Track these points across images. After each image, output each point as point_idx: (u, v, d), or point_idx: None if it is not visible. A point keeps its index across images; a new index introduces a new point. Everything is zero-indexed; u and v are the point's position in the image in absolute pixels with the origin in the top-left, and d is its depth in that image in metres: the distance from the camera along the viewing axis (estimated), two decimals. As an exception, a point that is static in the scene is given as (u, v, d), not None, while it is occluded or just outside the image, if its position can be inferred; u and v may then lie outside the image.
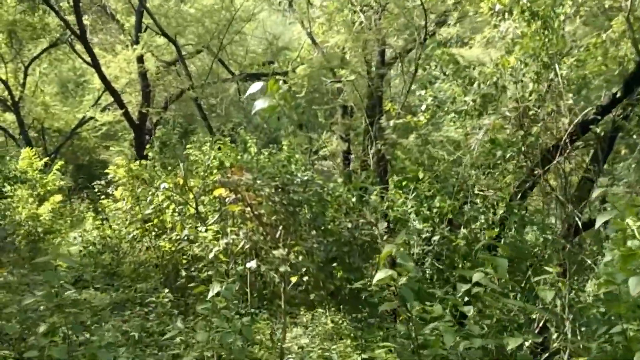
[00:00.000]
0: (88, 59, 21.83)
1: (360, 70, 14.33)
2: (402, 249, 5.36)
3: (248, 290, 9.85)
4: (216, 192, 9.13)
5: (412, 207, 9.69)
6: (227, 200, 9.16)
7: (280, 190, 9.17)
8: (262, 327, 9.94)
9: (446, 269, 8.99)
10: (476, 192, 9.25)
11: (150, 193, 11.77)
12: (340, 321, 10.38)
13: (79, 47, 25.19)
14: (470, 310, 5.34)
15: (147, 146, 14.85)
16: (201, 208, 11.45)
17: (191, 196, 10.87)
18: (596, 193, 7.38)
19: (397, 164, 12.84)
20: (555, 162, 8.45)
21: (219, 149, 12.92)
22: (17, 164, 17.47)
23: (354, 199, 10.93)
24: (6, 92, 28.10)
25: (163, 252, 11.16)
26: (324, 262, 9.62)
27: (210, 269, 9.39)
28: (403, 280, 5.25)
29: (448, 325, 5.06)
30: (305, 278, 9.53)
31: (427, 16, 11.57)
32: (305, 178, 9.44)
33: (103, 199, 14.12)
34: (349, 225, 9.74)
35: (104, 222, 14.36)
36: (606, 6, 9.31)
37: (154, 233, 11.71)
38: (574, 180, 9.35)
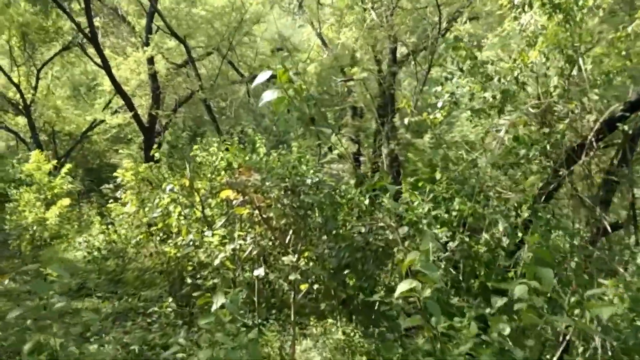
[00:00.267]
0: (99, 62, 21.32)
1: (371, 68, 13.71)
2: (425, 257, 4.76)
3: (256, 299, 9.27)
4: (223, 194, 8.47)
5: (428, 210, 9.04)
6: (234, 203, 8.52)
7: (290, 192, 8.52)
8: (270, 339, 9.35)
9: (467, 277, 8.31)
10: (497, 194, 8.60)
11: (155, 196, 11.20)
12: (353, 333, 9.78)
13: (91, 50, 24.60)
14: (507, 329, 4.68)
15: (154, 147, 14.26)
16: (208, 211, 10.85)
17: (197, 199, 10.26)
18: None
19: (410, 165, 12.27)
20: (580, 162, 7.81)
21: (227, 150, 12.33)
22: (22, 167, 16.88)
23: (366, 202, 10.34)
24: (18, 95, 27.70)
25: (168, 257, 10.56)
26: (335, 269, 8.98)
27: (216, 277, 8.82)
28: (427, 292, 4.65)
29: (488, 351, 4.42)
30: (316, 286, 8.88)
31: (441, 12, 10.95)
32: (317, 179, 8.79)
33: (111, 202, 13.56)
34: (362, 229, 9.06)
35: (110, 226, 13.79)
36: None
37: (159, 238, 11.12)
38: (598, 180, 8.70)
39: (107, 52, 22.42)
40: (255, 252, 8.68)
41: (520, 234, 7.85)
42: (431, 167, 11.60)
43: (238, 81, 24.17)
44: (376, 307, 8.97)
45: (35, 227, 16.63)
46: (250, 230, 9.13)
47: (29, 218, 16.77)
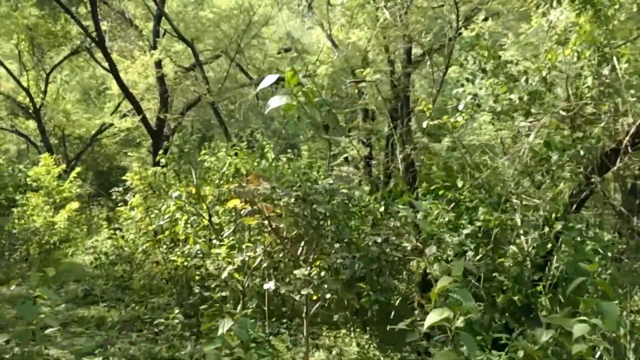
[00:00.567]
0: (107, 66, 20.82)
1: (384, 69, 13.00)
2: (458, 281, 4.12)
3: (266, 309, 8.62)
4: (230, 204, 7.77)
5: (449, 220, 8.33)
6: (242, 212, 7.82)
7: (301, 200, 7.81)
8: (281, 350, 8.73)
9: (492, 291, 7.58)
10: (525, 202, 7.89)
11: (161, 203, 10.54)
12: (367, 345, 9.13)
13: (99, 55, 24.15)
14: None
15: (159, 152, 13.61)
16: (215, 219, 10.19)
17: (204, 206, 9.57)
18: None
19: (424, 170, 11.60)
20: (615, 167, 7.09)
21: (235, 155, 11.67)
22: (30, 171, 16.24)
23: (381, 209, 9.66)
24: (27, 100, 27.29)
25: (175, 266, 9.91)
26: (349, 280, 8.30)
27: (225, 289, 8.15)
28: (460, 322, 4.01)
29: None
30: (328, 295, 8.17)
31: (458, 10, 10.23)
32: (330, 187, 8.09)
33: (120, 206, 12.92)
34: (378, 239, 8.34)
35: (117, 231, 13.15)
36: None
37: (165, 246, 10.47)
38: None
39: (114, 55, 21.97)
40: (265, 265, 7.98)
41: (549, 246, 7.15)
42: (447, 172, 10.96)
43: (247, 84, 23.54)
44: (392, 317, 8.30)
45: (43, 231, 16.02)
46: (259, 239, 8.48)
47: (38, 222, 16.19)
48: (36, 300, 5.23)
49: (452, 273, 4.10)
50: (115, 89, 24.78)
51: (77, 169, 20.22)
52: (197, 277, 9.29)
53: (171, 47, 21.90)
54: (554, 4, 7.58)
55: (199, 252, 8.47)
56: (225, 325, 5.00)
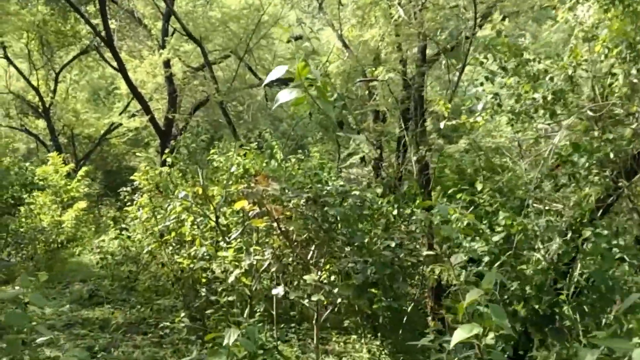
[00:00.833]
0: (116, 65, 20.48)
1: (398, 68, 12.56)
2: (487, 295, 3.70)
3: (274, 314, 8.18)
4: (237, 205, 7.29)
5: (468, 224, 7.86)
6: (250, 214, 7.36)
7: (312, 202, 7.36)
8: (289, 355, 8.31)
9: (513, 300, 7.11)
10: (548, 207, 7.44)
11: (167, 203, 10.10)
12: (378, 352, 8.69)
13: (108, 55, 23.87)
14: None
15: (166, 151, 13.19)
16: (222, 220, 9.75)
17: (211, 207, 9.13)
18: None
19: (437, 172, 11.17)
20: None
21: (244, 155, 11.24)
22: (35, 170, 15.85)
23: (394, 212, 9.23)
24: (37, 99, 27.02)
25: (181, 268, 9.48)
26: (361, 286, 7.85)
27: (231, 294, 7.71)
28: (491, 338, 3.59)
29: None
30: (339, 300, 7.73)
31: (476, 7, 9.76)
32: (343, 188, 7.65)
33: (128, 206, 12.52)
34: (392, 243, 7.89)
35: (123, 231, 12.75)
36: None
37: (171, 247, 10.03)
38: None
39: (123, 55, 21.81)
40: (274, 269, 7.51)
41: (573, 253, 6.71)
42: (459, 175, 10.53)
43: (255, 84, 23.15)
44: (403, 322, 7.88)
45: (50, 230, 15.64)
46: (267, 242, 8.05)
47: (45, 221, 15.82)
48: (27, 306, 4.72)
49: (482, 285, 3.68)
50: (124, 88, 24.59)
51: (85, 168, 19.94)
52: (203, 280, 8.85)
53: (180, 47, 21.60)
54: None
55: (205, 254, 8.05)
56: (231, 336, 4.57)
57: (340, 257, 7.57)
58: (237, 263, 7.41)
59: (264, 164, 11.14)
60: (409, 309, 8.87)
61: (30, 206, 15.42)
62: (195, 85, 22.51)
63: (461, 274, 7.09)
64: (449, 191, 9.17)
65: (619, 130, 6.83)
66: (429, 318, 9.07)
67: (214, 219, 8.84)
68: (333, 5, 16.34)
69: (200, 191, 8.81)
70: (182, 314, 8.62)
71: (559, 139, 6.97)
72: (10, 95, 28.09)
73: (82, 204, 17.34)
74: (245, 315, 7.67)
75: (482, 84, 8.41)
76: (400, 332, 9.08)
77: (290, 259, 7.80)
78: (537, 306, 6.71)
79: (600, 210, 6.95)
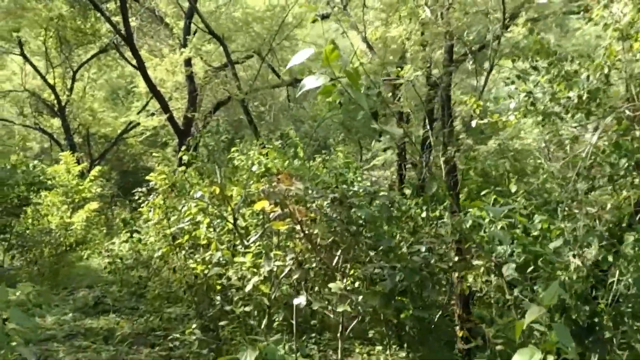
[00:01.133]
0: (135, 64, 20.21)
1: (424, 68, 12.12)
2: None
3: (294, 323, 7.60)
4: (258, 206, 6.76)
5: (502, 228, 7.35)
6: (271, 216, 6.79)
7: (338, 203, 6.80)
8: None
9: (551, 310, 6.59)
10: (585, 210, 6.90)
11: (182, 204, 9.57)
12: (405, 365, 8.16)
13: (128, 54, 23.86)
14: None
15: (182, 149, 12.70)
16: (241, 222, 9.22)
17: (229, 208, 8.60)
18: None
19: (466, 175, 10.71)
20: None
21: (266, 154, 10.74)
22: (43, 169, 15.38)
23: (423, 215, 8.73)
24: (53, 97, 26.82)
25: (195, 274, 8.93)
26: (388, 294, 7.29)
27: (248, 303, 7.17)
28: None
29: None
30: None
31: (505, 6, 9.31)
32: (371, 189, 7.13)
33: (143, 208, 12.05)
34: (422, 248, 7.35)
35: (134, 234, 12.25)
36: None
37: (184, 252, 9.50)
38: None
39: (143, 53, 21.48)
40: (296, 276, 6.93)
41: (612, 259, 6.21)
42: (484, 176, 10.10)
43: (278, 85, 22.81)
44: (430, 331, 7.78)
45: (58, 232, 15.19)
46: (288, 246, 7.52)
47: (53, 223, 15.36)
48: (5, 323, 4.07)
49: (543, 301, 3.16)
50: (142, 87, 24.41)
51: (98, 168, 19.57)
52: (218, 287, 8.31)
53: (201, 46, 21.45)
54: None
55: (221, 259, 7.51)
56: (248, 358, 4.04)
57: (365, 262, 7.04)
58: (255, 269, 6.88)
59: (287, 163, 10.67)
60: (436, 318, 8.36)
61: (37, 207, 14.94)
62: (216, 85, 22.38)
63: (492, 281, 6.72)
64: (481, 193, 8.68)
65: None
66: (457, 327, 8.56)
67: (232, 221, 8.34)
68: (357, 8, 16.00)
69: (218, 191, 8.30)
70: (194, 325, 8.09)
71: (596, 139, 6.49)
72: (25, 93, 27.94)
73: (94, 205, 16.97)
74: (262, 326, 7.16)
75: (513, 83, 8.05)
76: (427, 342, 8.58)
77: (314, 265, 7.23)
78: (575, 316, 6.23)
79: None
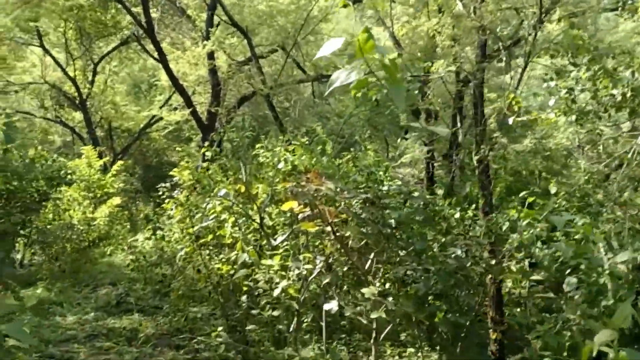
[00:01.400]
0: (157, 56, 20.09)
1: (457, 63, 11.89)
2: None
3: (323, 325, 7.41)
4: (286, 206, 6.54)
5: (541, 230, 7.12)
6: (300, 216, 6.56)
7: (370, 204, 6.58)
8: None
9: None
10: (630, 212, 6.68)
11: (205, 202, 9.37)
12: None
13: (150, 47, 23.68)
14: None
15: (205, 144, 12.50)
16: (267, 221, 9.02)
17: (255, 207, 8.40)
18: None
19: (496, 174, 10.48)
20: None
21: (292, 151, 10.51)
22: (64, 163, 15.23)
23: (456, 216, 8.50)
24: (73, 90, 26.64)
25: (220, 274, 8.74)
26: (422, 297, 7.10)
27: (277, 307, 6.98)
28: None
29: None
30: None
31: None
32: (405, 189, 6.90)
33: (166, 203, 11.90)
34: (458, 251, 7.11)
35: (157, 231, 12.08)
36: None
37: (207, 252, 9.30)
38: None
39: (165, 45, 21.54)
40: (326, 280, 6.70)
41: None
42: (514, 175, 9.87)
43: (303, 80, 22.61)
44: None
45: (81, 228, 15.06)
46: (317, 247, 7.32)
47: (75, 218, 15.24)
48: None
49: (613, 324, 2.95)
50: (164, 79, 24.44)
51: (121, 162, 19.44)
52: (244, 288, 8.12)
53: (225, 40, 21.22)
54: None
55: (247, 260, 7.32)
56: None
57: (395, 263, 6.83)
58: (283, 273, 6.69)
59: (314, 160, 10.44)
60: (469, 321, 8.16)
61: (57, 202, 14.81)
62: (240, 79, 22.23)
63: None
64: (521, 194, 8.45)
65: None
66: (490, 330, 8.36)
67: (258, 220, 8.14)
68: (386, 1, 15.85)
69: (243, 189, 8.10)
70: (220, 328, 7.90)
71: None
72: (45, 85, 27.69)
73: (117, 200, 16.85)
74: (291, 329, 6.98)
75: (552, 79, 7.78)
76: (460, 345, 8.38)
77: (345, 268, 7.02)
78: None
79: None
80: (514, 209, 7.91)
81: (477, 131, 9.88)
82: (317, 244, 7.55)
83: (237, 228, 8.68)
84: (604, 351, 2.98)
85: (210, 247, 9.37)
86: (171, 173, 11.16)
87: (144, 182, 28.74)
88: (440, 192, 9.88)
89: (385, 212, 6.51)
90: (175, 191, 10.77)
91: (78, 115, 28.54)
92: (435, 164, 16.85)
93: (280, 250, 7.45)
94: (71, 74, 26.43)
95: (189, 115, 21.28)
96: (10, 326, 3.49)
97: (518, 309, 9.04)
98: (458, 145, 11.86)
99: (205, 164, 11.33)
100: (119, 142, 31.07)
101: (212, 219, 8.85)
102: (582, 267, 6.48)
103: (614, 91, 7.01)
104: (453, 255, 7.07)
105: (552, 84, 7.84)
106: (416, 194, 7.39)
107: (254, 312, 7.44)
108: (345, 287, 7.96)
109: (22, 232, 13.46)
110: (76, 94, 26.81)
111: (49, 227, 14.38)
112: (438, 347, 8.60)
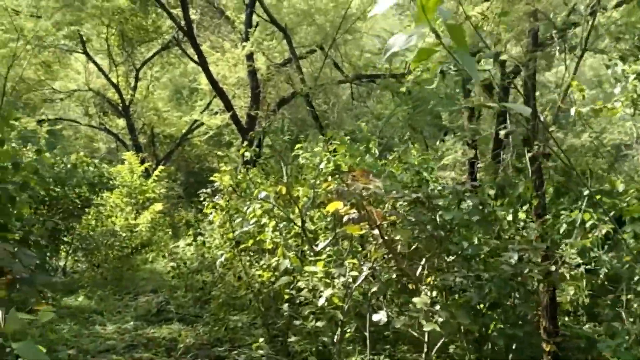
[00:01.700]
0: (197, 59, 19.74)
1: (511, 53, 11.22)
2: None
3: (367, 334, 6.80)
4: (330, 207, 5.95)
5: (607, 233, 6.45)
6: (345, 218, 5.95)
7: (421, 205, 5.95)
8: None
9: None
10: None
11: (245, 206, 8.84)
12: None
13: (190, 51, 23.44)
14: None
15: (244, 145, 12.01)
16: (309, 225, 8.45)
17: (297, 210, 7.83)
18: None
19: (545, 172, 9.81)
20: None
21: (334, 151, 9.94)
22: (106, 168, 14.84)
23: (509, 218, 7.84)
24: (117, 96, 26.47)
25: (261, 281, 8.20)
26: (476, 307, 6.44)
27: (320, 318, 6.40)
28: None
29: None
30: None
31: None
32: (459, 188, 6.25)
33: (205, 209, 11.45)
34: (515, 256, 6.42)
35: (198, 237, 11.62)
36: None
37: (247, 258, 8.78)
38: None
39: (204, 47, 21.14)
40: (374, 289, 6.07)
41: None
42: (564, 174, 9.26)
43: (342, 81, 22.07)
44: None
45: (123, 234, 14.70)
46: (361, 252, 6.72)
47: (117, 224, 14.89)
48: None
49: None
50: (204, 83, 24.04)
51: (162, 168, 19.11)
52: (286, 296, 7.57)
53: (263, 40, 20.95)
54: None
55: (288, 267, 6.77)
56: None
57: (443, 269, 6.18)
58: (327, 280, 6.09)
59: (358, 160, 9.85)
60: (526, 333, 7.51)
61: (99, 208, 14.43)
62: (278, 81, 21.94)
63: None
64: (586, 194, 7.77)
65: None
66: (543, 342, 7.69)
67: (300, 224, 7.57)
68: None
69: (284, 191, 7.54)
70: (261, 339, 7.36)
71: None
72: (89, 92, 27.53)
73: (159, 206, 16.52)
74: (335, 340, 6.40)
75: (616, 65, 7.06)
76: (512, 358, 7.71)
77: (394, 276, 6.38)
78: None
79: None
80: (566, 209, 7.31)
81: (529, 126, 9.25)
82: (360, 249, 6.98)
83: (278, 233, 8.15)
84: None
85: (251, 253, 8.86)
86: (212, 178, 10.71)
87: (186, 188, 28.47)
88: (491, 192, 9.16)
89: (439, 213, 5.88)
90: (216, 197, 10.34)
91: (121, 122, 28.30)
92: (479, 165, 16.16)
93: (324, 256, 6.85)
94: (114, 80, 26.20)
95: (229, 119, 20.90)
96: (22, 345, 2.94)
97: (566, 318, 8.45)
98: (502, 143, 11.28)
99: (244, 167, 10.85)
100: (161, 149, 30.89)
101: (252, 224, 8.35)
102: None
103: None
104: (507, 261, 6.38)
105: (619, 69, 7.13)
106: (471, 194, 6.73)
107: (296, 322, 6.86)
108: (389, 296, 7.34)
109: (64, 239, 13.06)
110: (119, 101, 26.65)
111: (91, 233, 14.03)
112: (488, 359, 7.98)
